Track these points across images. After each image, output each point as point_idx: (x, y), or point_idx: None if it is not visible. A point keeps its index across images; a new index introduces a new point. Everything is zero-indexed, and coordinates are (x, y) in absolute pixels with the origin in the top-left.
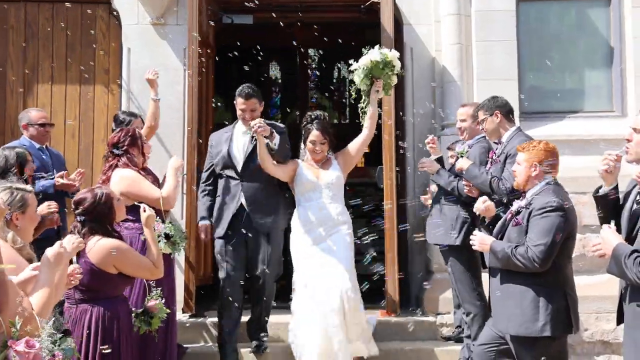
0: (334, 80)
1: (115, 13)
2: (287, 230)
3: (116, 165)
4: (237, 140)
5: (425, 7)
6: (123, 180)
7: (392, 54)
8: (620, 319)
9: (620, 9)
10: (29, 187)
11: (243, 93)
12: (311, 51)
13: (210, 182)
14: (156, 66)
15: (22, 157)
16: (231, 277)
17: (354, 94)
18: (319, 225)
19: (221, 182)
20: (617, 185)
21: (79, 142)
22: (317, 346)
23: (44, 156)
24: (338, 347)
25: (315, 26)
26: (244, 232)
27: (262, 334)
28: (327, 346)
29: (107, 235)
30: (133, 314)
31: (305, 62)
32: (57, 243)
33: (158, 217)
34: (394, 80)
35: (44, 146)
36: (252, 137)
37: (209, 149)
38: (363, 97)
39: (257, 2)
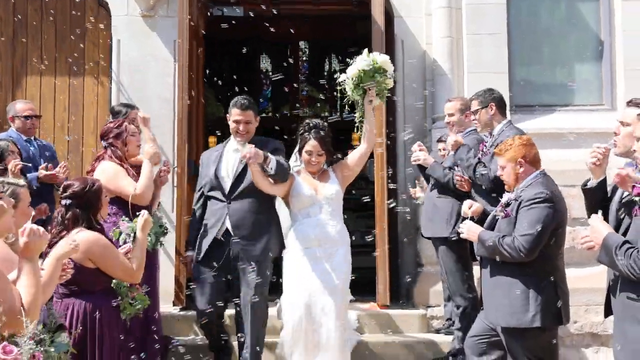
0: (325, 74)
1: (104, 4)
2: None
3: (103, 157)
4: (227, 159)
5: (416, 1)
6: (103, 173)
7: (382, 59)
8: (607, 312)
9: (610, 2)
10: (21, 181)
11: (239, 103)
12: (302, 44)
13: (200, 204)
14: (146, 57)
15: (4, 152)
16: (206, 312)
17: (346, 104)
18: (317, 244)
19: (210, 205)
20: (605, 178)
21: (69, 134)
22: None
23: (31, 148)
24: None
25: (306, 19)
26: (228, 261)
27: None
28: None
29: (89, 226)
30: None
31: (296, 54)
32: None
33: (124, 216)
34: (389, 83)
35: (32, 138)
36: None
37: (200, 168)
38: (357, 108)
39: None
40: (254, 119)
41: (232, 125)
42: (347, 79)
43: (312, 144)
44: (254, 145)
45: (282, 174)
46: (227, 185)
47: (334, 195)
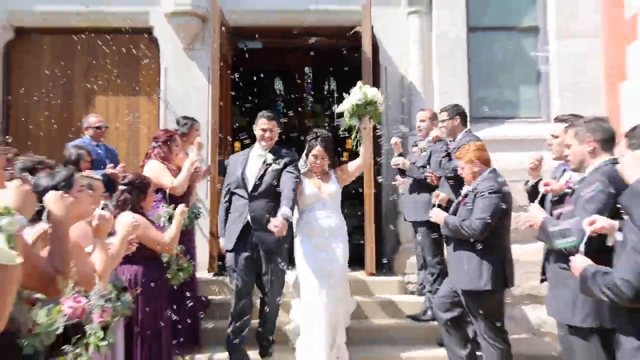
0: (325, 93)
1: (155, 40)
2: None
3: (150, 156)
4: (252, 163)
5: (396, 35)
6: (150, 170)
7: (372, 93)
8: (543, 279)
9: (545, 40)
10: (97, 175)
11: (266, 115)
12: (307, 69)
13: (227, 199)
14: (186, 81)
15: (79, 156)
16: (241, 290)
17: (344, 128)
18: (320, 233)
19: (234, 200)
20: (540, 179)
21: (128, 141)
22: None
23: (99, 151)
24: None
25: (310, 50)
26: (251, 247)
27: (268, 341)
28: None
29: (133, 210)
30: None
31: (302, 78)
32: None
33: (163, 203)
34: (381, 109)
35: (100, 143)
36: (264, 161)
37: (227, 169)
38: (354, 131)
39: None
40: (276, 128)
41: (258, 132)
42: (343, 110)
43: (317, 149)
44: (272, 158)
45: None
46: (250, 185)
47: (334, 193)
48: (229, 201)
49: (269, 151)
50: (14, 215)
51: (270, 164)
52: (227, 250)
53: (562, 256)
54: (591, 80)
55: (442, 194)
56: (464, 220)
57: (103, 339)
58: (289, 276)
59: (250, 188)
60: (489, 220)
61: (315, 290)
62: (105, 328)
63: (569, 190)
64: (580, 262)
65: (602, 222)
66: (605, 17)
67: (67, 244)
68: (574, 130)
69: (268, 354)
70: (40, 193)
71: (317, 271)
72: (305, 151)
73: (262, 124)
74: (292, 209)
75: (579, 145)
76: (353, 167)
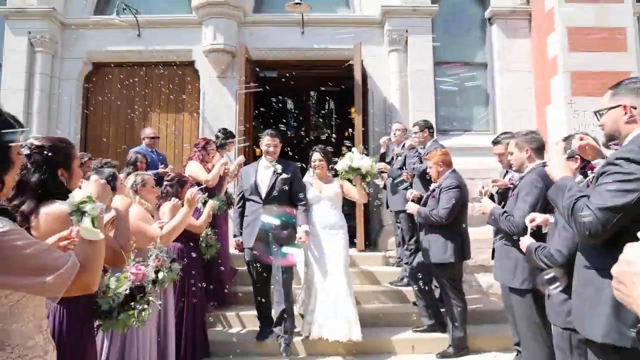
0: (325, 110)
1: (196, 71)
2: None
3: (192, 158)
4: (262, 173)
5: (380, 67)
6: (189, 168)
7: (358, 163)
8: (493, 253)
9: (492, 71)
10: (148, 173)
11: (270, 133)
12: (312, 93)
13: (241, 204)
14: (219, 102)
15: (137, 159)
16: (261, 279)
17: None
18: (322, 227)
19: (249, 205)
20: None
21: (174, 148)
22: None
23: (153, 156)
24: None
25: (313, 78)
26: (267, 242)
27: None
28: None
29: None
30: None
31: (307, 99)
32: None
33: (201, 192)
34: (373, 170)
35: (154, 150)
36: (274, 171)
37: (240, 179)
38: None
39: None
40: (279, 143)
41: (264, 148)
42: (338, 169)
43: (316, 155)
44: (281, 168)
45: (303, 196)
46: (263, 192)
47: (334, 194)
48: (243, 206)
49: (276, 163)
50: (95, 202)
51: (280, 174)
52: (246, 247)
53: (506, 235)
54: (525, 104)
55: (414, 191)
56: (433, 210)
57: (155, 279)
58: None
59: (263, 195)
60: (452, 209)
61: (320, 277)
62: (157, 272)
63: (511, 185)
64: (526, 241)
65: (539, 219)
66: (534, 57)
67: (128, 225)
68: (515, 141)
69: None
70: None
71: (321, 260)
72: (309, 163)
73: (267, 141)
74: (307, 221)
75: (519, 152)
76: (350, 192)
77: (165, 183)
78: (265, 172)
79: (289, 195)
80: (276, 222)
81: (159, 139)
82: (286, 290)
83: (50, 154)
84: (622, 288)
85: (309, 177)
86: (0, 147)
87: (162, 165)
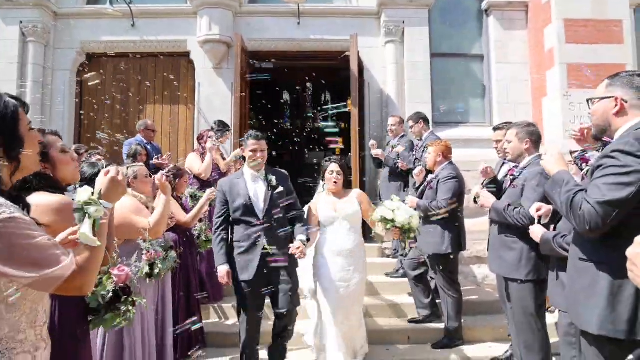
0: (321, 102)
1: (191, 62)
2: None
3: (194, 150)
4: (253, 187)
5: (377, 58)
6: (187, 160)
7: (397, 215)
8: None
9: (489, 63)
10: (139, 164)
11: (254, 135)
12: (308, 84)
13: (224, 227)
14: (215, 93)
15: (137, 151)
16: (255, 318)
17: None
18: (337, 253)
19: (239, 228)
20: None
21: (170, 139)
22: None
23: (149, 147)
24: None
25: (310, 69)
26: (267, 272)
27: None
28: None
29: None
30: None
31: (304, 90)
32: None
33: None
34: (413, 225)
35: (150, 142)
36: (269, 184)
37: (219, 195)
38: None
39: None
40: (265, 147)
41: (249, 154)
42: (376, 217)
43: (333, 166)
44: (275, 180)
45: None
46: (261, 211)
47: (352, 214)
48: (226, 229)
49: (268, 173)
50: (100, 204)
51: (276, 186)
52: (242, 281)
53: (507, 228)
54: (521, 96)
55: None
56: (432, 202)
57: (150, 273)
58: (305, 284)
59: (262, 214)
60: (451, 199)
61: (331, 311)
62: (151, 266)
63: (511, 177)
64: (538, 230)
65: (545, 209)
66: (531, 49)
67: (112, 224)
68: (516, 130)
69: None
70: (85, 180)
71: (333, 293)
72: (321, 177)
73: (252, 145)
74: (305, 233)
75: (518, 142)
76: (367, 216)
77: (166, 172)
78: (257, 186)
79: (287, 211)
80: (281, 250)
81: (155, 132)
82: (291, 326)
83: None
84: (634, 269)
85: (320, 193)
86: (4, 122)
87: (159, 155)
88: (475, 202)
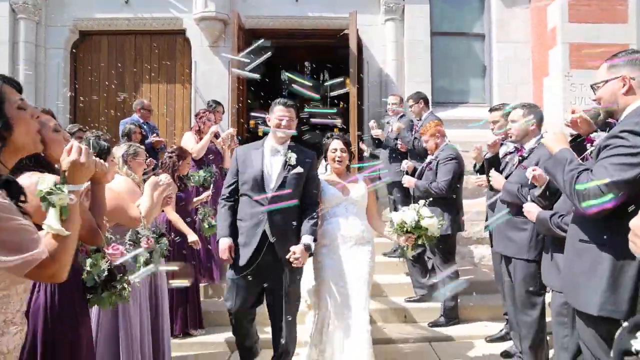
0: (320, 81)
1: (187, 40)
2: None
3: (190, 128)
4: (269, 162)
5: (376, 36)
6: (182, 138)
7: (428, 221)
8: (486, 226)
9: (490, 42)
10: (140, 146)
11: (282, 102)
12: (307, 63)
13: (231, 199)
14: (211, 71)
15: (131, 130)
16: (240, 311)
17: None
18: (344, 240)
19: (244, 204)
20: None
21: (166, 118)
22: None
23: (145, 127)
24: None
25: (308, 47)
26: (265, 263)
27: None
28: None
29: (173, 172)
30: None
31: (302, 69)
32: (154, 178)
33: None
34: (434, 234)
35: (147, 122)
36: (285, 162)
37: (234, 162)
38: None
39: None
40: (295, 118)
41: (275, 122)
42: (394, 220)
43: (336, 142)
44: (295, 158)
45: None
46: (270, 190)
47: (360, 198)
48: (235, 201)
49: (290, 149)
50: (63, 191)
51: (294, 166)
52: (235, 265)
53: (517, 209)
54: (522, 76)
55: (409, 162)
56: (432, 183)
57: (149, 261)
58: (304, 283)
59: (270, 193)
60: (452, 180)
61: (335, 310)
62: (151, 253)
63: (520, 158)
64: (533, 209)
65: (539, 171)
66: (533, 28)
67: (104, 202)
68: (522, 110)
69: None
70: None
71: (339, 288)
72: (323, 155)
73: (279, 112)
74: (315, 234)
75: (525, 122)
76: (372, 208)
77: (166, 155)
78: (274, 161)
79: (301, 196)
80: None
81: (151, 111)
82: (289, 330)
83: None
84: (636, 240)
85: (322, 173)
86: None
87: (154, 135)
88: (477, 171)
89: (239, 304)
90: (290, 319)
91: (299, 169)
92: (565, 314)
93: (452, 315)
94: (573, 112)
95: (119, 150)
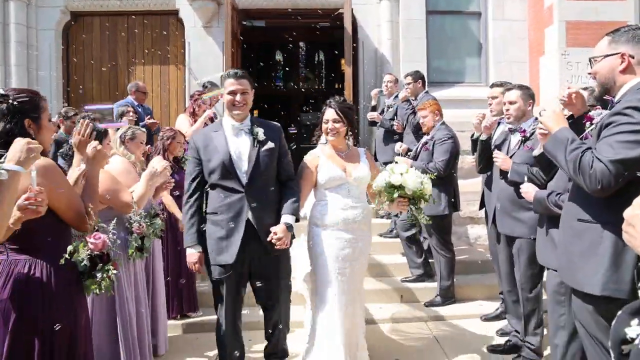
0: (315, 62)
1: (180, 20)
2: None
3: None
4: (235, 143)
5: (371, 16)
6: (177, 120)
7: (403, 179)
8: (481, 205)
9: (486, 20)
10: (140, 127)
11: (232, 73)
12: (301, 43)
13: (197, 195)
14: (205, 52)
15: (124, 112)
16: (231, 313)
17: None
18: (344, 226)
19: (216, 195)
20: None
21: (161, 100)
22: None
23: (139, 109)
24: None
25: (303, 28)
26: (251, 255)
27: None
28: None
29: (164, 152)
30: None
31: (297, 50)
32: (152, 169)
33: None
34: (425, 191)
35: (142, 104)
36: (254, 139)
37: (192, 152)
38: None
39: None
40: (250, 90)
41: (227, 98)
42: (375, 187)
43: (328, 114)
44: (262, 132)
45: (288, 169)
46: (244, 174)
47: (363, 178)
48: (200, 197)
49: (254, 124)
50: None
51: (264, 142)
52: (217, 265)
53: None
54: (518, 55)
55: (403, 144)
56: (429, 163)
57: (141, 247)
58: (299, 270)
59: (245, 178)
60: (449, 160)
61: (332, 297)
62: (142, 239)
63: (522, 138)
64: (530, 189)
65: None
66: (530, 6)
67: (96, 187)
68: (519, 91)
69: None
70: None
71: (335, 273)
72: (319, 125)
73: (230, 85)
74: (297, 213)
75: (523, 104)
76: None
77: (159, 137)
78: (239, 141)
79: (277, 173)
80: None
81: (146, 94)
82: (284, 321)
83: (15, 103)
84: (630, 230)
85: (320, 147)
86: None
87: (148, 117)
88: (473, 141)
89: (231, 306)
90: (283, 297)
91: (270, 144)
92: (563, 293)
93: (448, 295)
94: (569, 88)
95: (116, 133)
